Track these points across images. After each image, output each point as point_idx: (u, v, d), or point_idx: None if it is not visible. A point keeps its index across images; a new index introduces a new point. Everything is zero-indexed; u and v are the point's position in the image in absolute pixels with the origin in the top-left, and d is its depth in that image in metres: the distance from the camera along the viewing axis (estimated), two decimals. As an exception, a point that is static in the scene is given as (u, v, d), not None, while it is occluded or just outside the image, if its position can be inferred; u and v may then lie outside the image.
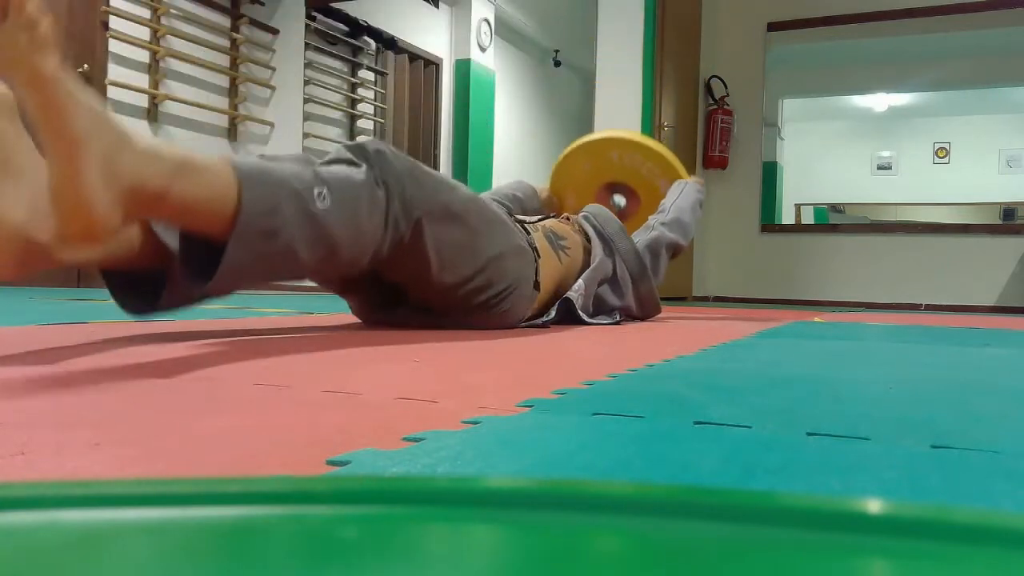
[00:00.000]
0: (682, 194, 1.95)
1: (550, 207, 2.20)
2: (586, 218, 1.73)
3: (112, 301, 0.95)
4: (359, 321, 1.47)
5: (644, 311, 1.76)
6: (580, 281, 1.55)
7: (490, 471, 0.35)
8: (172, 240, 0.92)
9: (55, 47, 0.68)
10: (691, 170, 4.65)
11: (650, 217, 1.92)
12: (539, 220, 1.58)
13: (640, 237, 1.80)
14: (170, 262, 0.93)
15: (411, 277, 1.21)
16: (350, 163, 1.05)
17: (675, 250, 1.85)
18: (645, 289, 1.73)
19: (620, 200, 2.19)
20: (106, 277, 0.95)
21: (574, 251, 1.59)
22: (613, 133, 2.23)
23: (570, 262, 1.56)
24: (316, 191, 0.94)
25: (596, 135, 2.26)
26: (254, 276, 0.95)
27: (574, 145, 2.24)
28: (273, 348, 0.91)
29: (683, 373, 0.76)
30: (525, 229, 1.45)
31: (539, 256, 1.41)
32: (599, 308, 1.64)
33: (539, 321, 1.44)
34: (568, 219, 1.72)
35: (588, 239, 1.69)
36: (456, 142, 5.76)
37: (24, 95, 0.68)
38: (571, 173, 2.25)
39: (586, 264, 1.63)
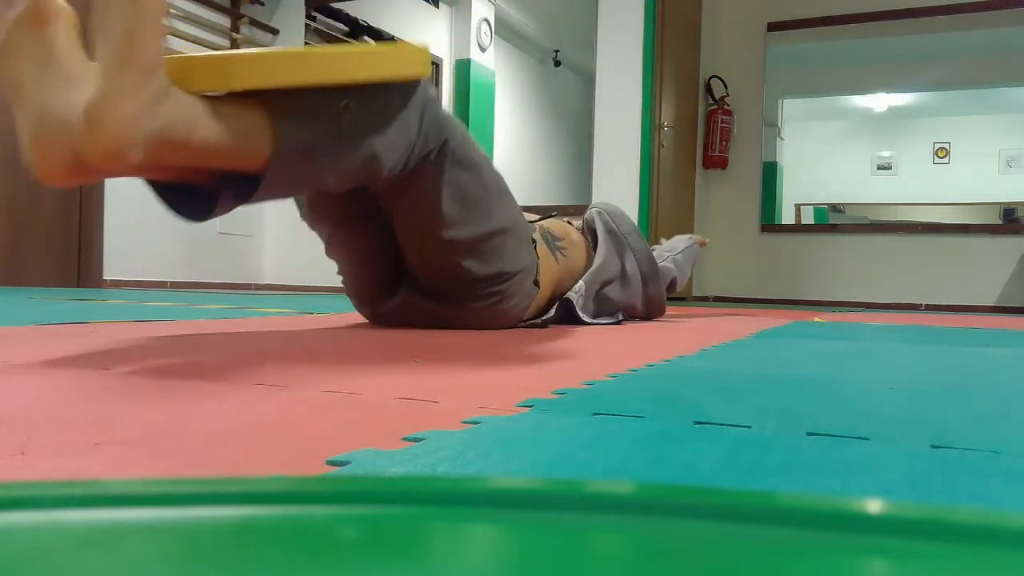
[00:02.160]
0: (689, 247, 2.13)
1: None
2: (599, 213, 1.72)
3: (165, 207, 0.91)
4: (359, 321, 1.47)
5: (649, 311, 1.76)
6: (581, 282, 1.54)
7: (490, 471, 0.35)
8: None
9: None
10: (691, 170, 4.65)
11: (656, 247, 2.05)
12: (536, 220, 1.57)
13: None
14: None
15: (424, 225, 1.18)
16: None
17: (671, 287, 2.00)
18: (654, 290, 1.73)
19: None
20: (153, 187, 0.92)
21: (571, 251, 1.58)
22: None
23: (567, 263, 1.54)
24: (342, 103, 0.93)
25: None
26: (292, 191, 1.00)
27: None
28: (273, 348, 0.91)
29: (683, 373, 0.76)
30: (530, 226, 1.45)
31: (538, 255, 1.41)
32: (603, 306, 1.63)
33: (539, 321, 1.44)
34: (571, 221, 1.72)
35: (594, 237, 1.68)
36: (456, 142, 5.75)
37: (117, 8, 0.68)
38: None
39: (588, 264, 1.62)
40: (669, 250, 2.07)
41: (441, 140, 1.10)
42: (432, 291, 1.28)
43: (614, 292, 1.65)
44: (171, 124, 0.74)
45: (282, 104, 0.87)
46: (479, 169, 1.18)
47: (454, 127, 1.13)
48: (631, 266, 1.67)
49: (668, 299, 1.89)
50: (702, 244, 2.22)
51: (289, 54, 0.88)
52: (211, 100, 0.79)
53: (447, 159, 1.12)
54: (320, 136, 0.91)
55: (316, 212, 1.25)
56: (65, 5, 0.76)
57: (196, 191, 0.92)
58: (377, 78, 0.96)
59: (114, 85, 0.69)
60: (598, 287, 1.59)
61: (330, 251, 1.32)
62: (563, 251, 1.54)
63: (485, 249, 1.22)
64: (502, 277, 1.26)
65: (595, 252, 1.66)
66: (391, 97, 1.01)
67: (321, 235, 1.30)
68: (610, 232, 1.67)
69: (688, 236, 2.19)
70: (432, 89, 1.10)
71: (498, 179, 1.24)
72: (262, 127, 0.84)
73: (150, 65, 0.70)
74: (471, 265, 1.22)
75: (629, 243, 1.68)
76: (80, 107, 0.70)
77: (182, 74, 0.77)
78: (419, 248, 1.23)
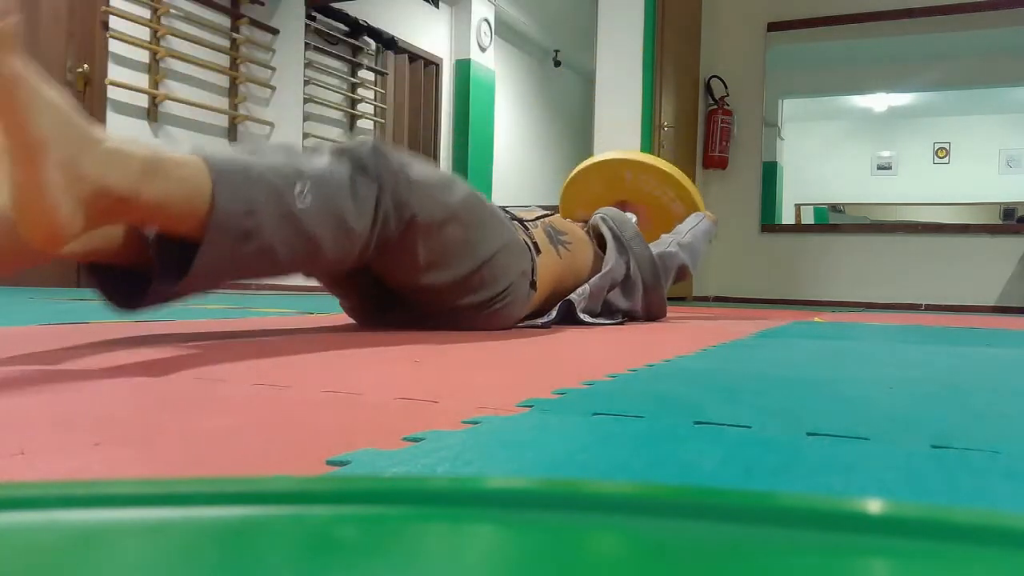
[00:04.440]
0: (699, 224, 2.02)
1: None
2: (603, 219, 1.72)
3: (100, 296, 0.91)
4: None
5: (650, 315, 1.77)
6: (587, 286, 1.54)
7: (490, 471, 0.35)
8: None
9: (18, 45, 0.64)
10: (691, 170, 4.65)
11: (664, 235, 1.96)
12: (539, 217, 1.56)
13: (655, 248, 1.80)
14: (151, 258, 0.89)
15: (402, 275, 1.16)
16: (339, 155, 0.99)
17: (682, 273, 1.89)
18: (656, 295, 1.73)
19: (632, 216, 2.20)
20: (91, 271, 0.91)
21: (576, 247, 1.57)
22: (625, 154, 2.22)
23: (571, 257, 1.54)
24: (297, 188, 0.89)
25: (608, 155, 2.24)
26: (231, 275, 0.90)
27: (585, 164, 2.22)
28: (273, 348, 0.91)
29: (683, 373, 0.76)
30: (524, 226, 1.44)
31: (538, 252, 1.39)
32: (605, 310, 1.64)
33: (539, 322, 1.44)
34: (575, 221, 1.72)
35: (601, 239, 1.68)
36: (456, 142, 5.76)
37: None
38: (582, 192, 2.25)
39: (592, 263, 1.62)
40: (674, 235, 1.96)
41: (405, 220, 1.06)
42: (426, 312, 1.27)
43: (616, 297, 1.65)
44: (97, 179, 0.70)
45: (227, 172, 0.83)
46: (458, 215, 1.14)
47: (421, 190, 1.07)
48: (634, 272, 1.68)
49: (669, 299, 1.88)
50: (712, 220, 2.10)
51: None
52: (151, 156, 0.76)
53: (419, 226, 1.08)
54: (262, 215, 0.86)
55: (309, 277, 1.20)
56: None
57: (132, 276, 0.90)
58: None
59: (20, 180, 0.66)
60: (605, 292, 1.59)
61: (319, 281, 1.28)
62: (567, 246, 1.53)
63: (475, 280, 1.20)
64: (497, 296, 1.25)
65: (604, 255, 1.66)
66: (344, 194, 0.97)
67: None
68: (615, 238, 1.68)
69: (695, 215, 2.08)
70: (391, 164, 1.04)
71: (478, 208, 1.20)
72: (203, 185, 0.80)
73: (42, 142, 0.65)
74: (463, 292, 1.20)
75: (632, 248, 1.68)
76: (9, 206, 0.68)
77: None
78: (409, 289, 1.20)
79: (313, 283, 1.25)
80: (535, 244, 1.40)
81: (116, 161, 0.72)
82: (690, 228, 1.99)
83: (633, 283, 1.68)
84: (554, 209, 1.92)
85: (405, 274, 1.15)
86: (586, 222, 1.78)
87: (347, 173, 0.98)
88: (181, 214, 0.79)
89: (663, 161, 2.19)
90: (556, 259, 1.47)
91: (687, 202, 2.11)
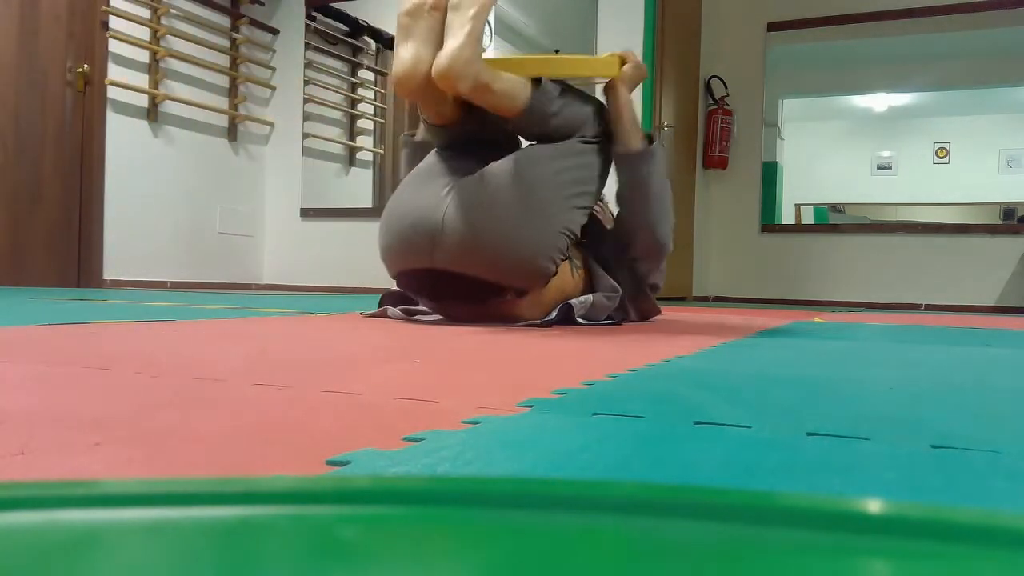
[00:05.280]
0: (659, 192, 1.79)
1: None
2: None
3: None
4: (360, 321, 1.47)
5: (644, 316, 1.77)
6: (591, 297, 1.55)
7: (490, 471, 0.35)
8: None
9: None
10: (691, 170, 4.65)
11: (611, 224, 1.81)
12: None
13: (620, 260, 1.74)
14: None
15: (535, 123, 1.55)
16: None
17: (652, 288, 1.77)
18: (643, 301, 1.73)
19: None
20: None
21: (580, 271, 1.62)
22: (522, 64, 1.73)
23: (576, 282, 1.59)
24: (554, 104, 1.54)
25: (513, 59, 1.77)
26: (532, 128, 1.56)
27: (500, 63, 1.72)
28: (273, 348, 0.91)
29: (683, 373, 0.76)
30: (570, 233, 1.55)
31: (566, 258, 1.50)
32: (600, 314, 1.64)
33: (538, 322, 1.44)
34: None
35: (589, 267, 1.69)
36: (456, 142, 5.75)
37: (466, 3, 1.44)
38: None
39: (587, 283, 1.63)
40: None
41: (599, 129, 1.61)
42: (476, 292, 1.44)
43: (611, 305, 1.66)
44: (483, 73, 1.40)
45: (537, 86, 1.51)
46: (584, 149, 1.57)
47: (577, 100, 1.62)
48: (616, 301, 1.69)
49: (669, 299, 1.88)
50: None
51: (544, 60, 1.70)
52: (502, 71, 1.47)
53: (599, 142, 1.59)
54: (548, 107, 1.52)
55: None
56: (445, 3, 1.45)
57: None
58: (587, 74, 1.74)
59: (461, 43, 1.38)
60: (605, 312, 1.60)
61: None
62: (578, 269, 1.60)
63: (565, 179, 1.50)
64: (563, 238, 1.46)
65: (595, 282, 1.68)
66: (584, 94, 1.64)
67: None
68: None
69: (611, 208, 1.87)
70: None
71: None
72: (524, 92, 1.48)
73: (479, 36, 1.43)
74: (554, 193, 1.47)
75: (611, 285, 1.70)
76: (437, 54, 1.39)
77: (497, 64, 1.48)
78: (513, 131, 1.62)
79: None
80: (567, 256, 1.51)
81: (491, 70, 1.46)
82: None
83: (619, 299, 1.69)
84: None
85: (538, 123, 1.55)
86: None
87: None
88: (514, 102, 1.48)
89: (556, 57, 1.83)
90: (570, 278, 1.53)
91: (602, 72, 1.75)
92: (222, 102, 4.19)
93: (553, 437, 0.43)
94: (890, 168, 6.25)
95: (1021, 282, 4.25)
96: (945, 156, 6.10)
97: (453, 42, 1.37)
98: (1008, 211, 5.68)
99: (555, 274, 1.48)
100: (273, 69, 4.50)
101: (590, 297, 1.55)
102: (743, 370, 0.80)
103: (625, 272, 1.68)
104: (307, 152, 4.55)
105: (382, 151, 4.68)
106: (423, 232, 1.40)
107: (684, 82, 4.48)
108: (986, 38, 4.65)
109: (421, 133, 1.67)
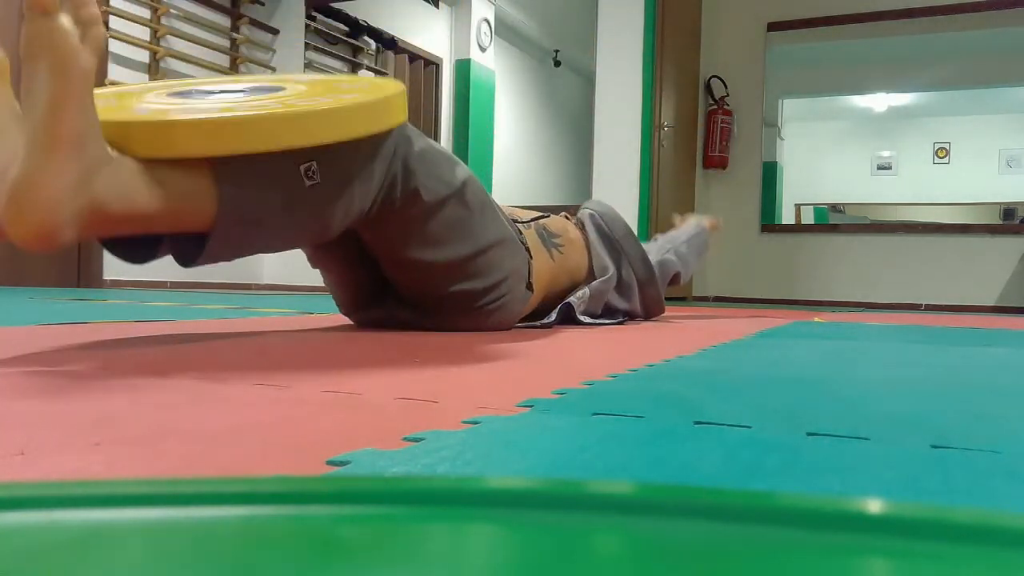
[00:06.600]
0: (698, 235, 2.02)
1: None
2: (591, 216, 1.69)
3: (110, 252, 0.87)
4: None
5: (648, 313, 1.76)
6: (587, 289, 1.53)
7: (490, 471, 0.35)
8: None
9: (100, 51, 0.66)
10: (691, 170, 4.65)
11: (659, 237, 1.95)
12: (532, 220, 1.52)
13: (654, 256, 1.79)
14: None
15: (396, 247, 1.12)
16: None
17: (673, 281, 1.91)
18: (651, 292, 1.72)
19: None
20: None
21: (569, 248, 1.54)
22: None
23: (563, 260, 1.51)
24: (303, 167, 0.87)
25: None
26: (241, 254, 0.92)
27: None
28: (273, 348, 0.91)
29: (683, 373, 0.76)
30: (517, 229, 1.42)
31: (531, 256, 1.37)
32: (605, 310, 1.63)
33: (539, 323, 1.43)
34: (568, 216, 1.69)
35: (587, 239, 1.65)
36: (456, 142, 5.76)
37: (43, 77, 0.63)
38: None
39: (587, 263, 1.60)
40: (671, 241, 1.95)
41: (410, 189, 1.05)
42: (419, 305, 1.25)
43: (613, 298, 1.64)
44: (104, 197, 0.68)
45: (231, 168, 0.80)
46: (457, 196, 1.12)
47: (426, 163, 1.07)
48: (627, 273, 1.66)
49: (669, 298, 1.88)
50: (713, 228, 2.09)
51: (241, 121, 0.78)
52: (151, 163, 0.74)
53: (420, 202, 1.07)
54: (271, 205, 0.85)
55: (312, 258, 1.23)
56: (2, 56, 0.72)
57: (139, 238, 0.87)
58: (348, 138, 0.86)
59: (37, 164, 0.63)
60: (604, 296, 1.59)
61: (312, 262, 1.27)
62: (560, 248, 1.50)
63: (472, 267, 1.18)
64: (494, 288, 1.22)
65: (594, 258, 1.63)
66: (359, 151, 0.94)
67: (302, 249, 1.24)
68: (604, 237, 1.65)
69: (697, 222, 2.06)
70: (408, 130, 1.05)
71: (480, 193, 1.19)
72: (206, 191, 0.78)
73: (76, 139, 0.65)
74: (459, 280, 1.18)
75: (624, 249, 1.66)
76: (5, 179, 0.64)
77: (121, 140, 0.73)
78: (401, 269, 1.18)
79: (313, 283, 1.25)
80: (528, 248, 1.37)
81: (130, 189, 0.71)
82: (688, 238, 1.98)
83: (628, 284, 1.67)
84: (553, 210, 1.91)
85: (399, 246, 1.12)
86: (574, 214, 1.75)
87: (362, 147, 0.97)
88: (185, 223, 0.80)
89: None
90: (549, 261, 1.44)
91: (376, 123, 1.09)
92: (222, 102, 4.19)
93: (553, 437, 0.43)
94: (890, 168, 6.25)
95: (1021, 282, 4.25)
96: (945, 156, 6.10)
97: (25, 166, 0.64)
98: (1008, 211, 5.68)
99: (525, 302, 1.31)
100: (273, 69, 4.50)
101: (586, 290, 1.53)
102: (743, 370, 0.80)
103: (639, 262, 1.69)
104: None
105: (382, 151, 4.66)
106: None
107: (684, 82, 4.48)
108: (986, 38, 4.64)
109: None
